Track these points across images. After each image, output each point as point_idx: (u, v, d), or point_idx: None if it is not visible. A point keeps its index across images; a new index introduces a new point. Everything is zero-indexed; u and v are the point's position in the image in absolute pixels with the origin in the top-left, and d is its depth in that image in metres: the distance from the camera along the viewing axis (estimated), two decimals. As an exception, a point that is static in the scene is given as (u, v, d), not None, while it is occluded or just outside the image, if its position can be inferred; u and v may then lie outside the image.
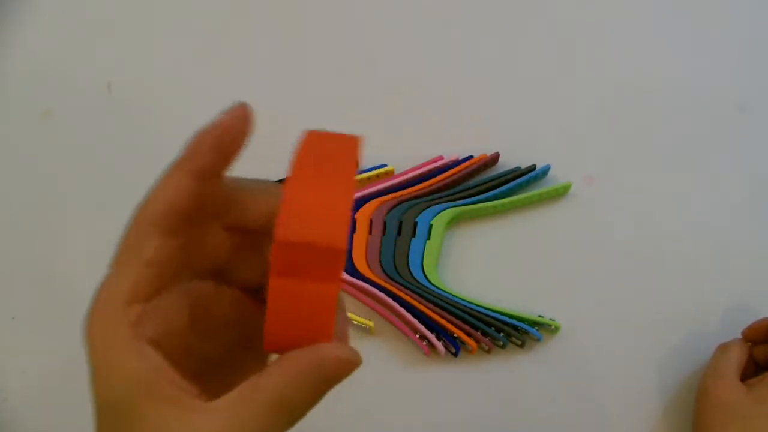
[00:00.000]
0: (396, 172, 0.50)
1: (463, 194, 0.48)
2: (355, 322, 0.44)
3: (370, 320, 0.44)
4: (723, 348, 0.41)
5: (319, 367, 0.20)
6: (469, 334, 0.43)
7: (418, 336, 0.43)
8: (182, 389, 0.19)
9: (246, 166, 0.48)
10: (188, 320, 0.20)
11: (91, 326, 0.20)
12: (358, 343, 0.45)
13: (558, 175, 0.50)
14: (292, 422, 0.21)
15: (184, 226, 0.20)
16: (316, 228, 0.16)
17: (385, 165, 0.50)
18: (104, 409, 0.19)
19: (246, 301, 0.22)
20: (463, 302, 0.44)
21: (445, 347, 0.43)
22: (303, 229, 0.16)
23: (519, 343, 0.44)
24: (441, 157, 0.50)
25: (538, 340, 0.44)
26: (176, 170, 0.21)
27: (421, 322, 0.43)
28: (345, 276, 0.45)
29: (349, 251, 0.47)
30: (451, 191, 0.49)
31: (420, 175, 0.49)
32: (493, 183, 0.49)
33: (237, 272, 0.22)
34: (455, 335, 0.43)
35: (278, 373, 0.19)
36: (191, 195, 0.20)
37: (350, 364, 0.20)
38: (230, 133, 0.21)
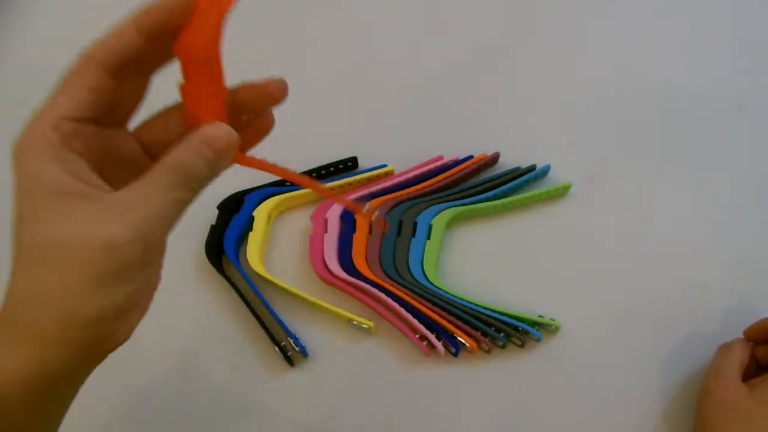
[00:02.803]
0: (396, 172, 0.50)
1: (463, 194, 0.48)
2: (354, 322, 0.44)
3: (370, 320, 0.44)
4: (725, 348, 0.41)
5: (207, 140, 0.24)
6: (469, 335, 0.43)
7: (418, 336, 0.43)
8: (99, 186, 0.23)
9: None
10: (104, 153, 0.24)
11: (22, 139, 0.23)
12: (358, 343, 0.45)
13: (558, 175, 0.50)
14: (191, 192, 0.24)
15: (122, 74, 0.24)
16: (197, 50, 0.23)
17: (386, 165, 0.50)
18: (33, 223, 0.22)
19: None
20: (463, 302, 0.44)
21: (445, 347, 0.43)
22: (191, 50, 0.24)
23: (519, 343, 0.44)
24: (441, 157, 0.50)
25: (538, 340, 0.44)
26: (129, 24, 0.23)
27: (421, 322, 0.43)
28: (345, 276, 0.45)
29: (349, 251, 0.46)
30: (451, 191, 0.48)
31: (420, 175, 0.49)
32: (493, 183, 0.49)
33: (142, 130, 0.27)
34: (455, 335, 0.43)
35: (179, 150, 0.23)
36: (135, 48, 0.23)
37: (220, 142, 0.24)
38: (180, 6, 0.23)
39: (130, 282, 0.23)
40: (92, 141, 0.24)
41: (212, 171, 0.24)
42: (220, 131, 0.24)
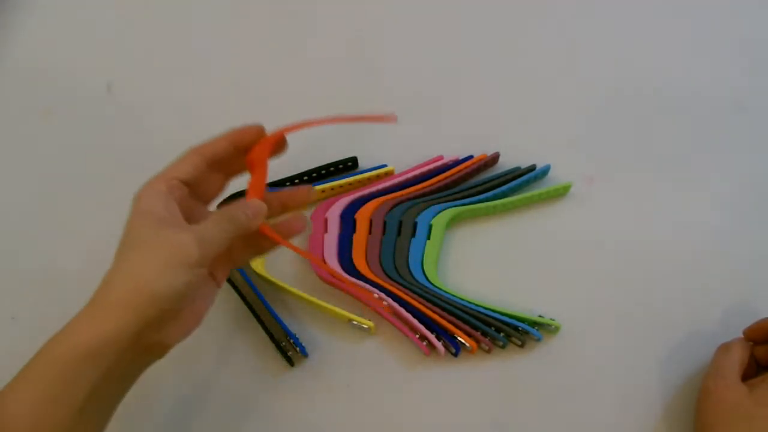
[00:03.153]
0: (396, 172, 0.50)
1: (463, 194, 0.48)
2: (354, 322, 0.44)
3: (370, 320, 0.44)
4: (724, 348, 0.41)
5: (245, 202, 0.37)
6: (469, 335, 0.43)
7: (418, 336, 0.43)
8: (182, 221, 0.36)
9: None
10: (189, 208, 0.38)
11: (147, 186, 0.36)
12: (358, 343, 0.45)
13: (558, 175, 0.50)
14: (235, 232, 0.36)
15: (212, 166, 0.38)
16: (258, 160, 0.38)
17: (386, 165, 0.50)
18: (133, 231, 0.35)
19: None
20: (463, 302, 0.44)
21: (445, 347, 0.43)
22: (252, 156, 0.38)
23: (519, 343, 0.44)
24: (441, 157, 0.50)
25: (538, 340, 0.44)
26: (225, 136, 0.39)
27: (421, 322, 0.43)
28: (345, 275, 0.45)
29: (349, 251, 0.46)
30: (451, 191, 0.48)
31: (420, 175, 0.49)
32: (493, 183, 0.49)
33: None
34: (455, 335, 0.43)
35: (228, 207, 0.37)
36: (224, 152, 0.38)
37: (255, 209, 0.37)
38: (254, 136, 0.39)
39: (189, 274, 0.34)
40: (184, 199, 0.37)
41: (248, 223, 0.37)
42: (256, 202, 0.38)
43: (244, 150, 0.39)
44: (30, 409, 0.31)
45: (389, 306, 0.44)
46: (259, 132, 0.39)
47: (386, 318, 0.44)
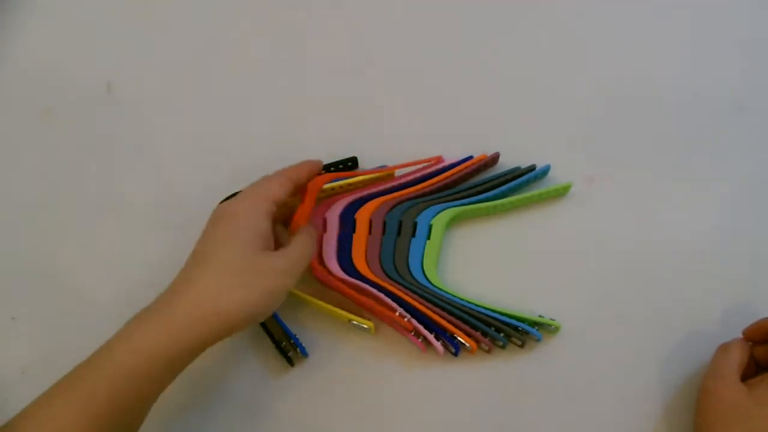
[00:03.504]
0: (396, 173, 0.50)
1: (463, 194, 0.48)
2: (354, 322, 0.44)
3: (370, 320, 0.44)
4: (724, 348, 0.41)
5: (308, 232, 0.41)
6: (468, 335, 0.43)
7: (412, 333, 0.43)
8: (276, 247, 0.39)
9: (249, 162, 0.48)
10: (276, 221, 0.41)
11: (241, 202, 0.38)
12: (358, 343, 0.45)
13: (558, 175, 0.50)
14: (307, 263, 0.40)
15: (296, 189, 0.42)
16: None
17: (385, 165, 0.50)
18: (235, 248, 0.37)
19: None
20: (463, 302, 0.44)
21: (445, 347, 0.43)
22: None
23: (519, 343, 0.44)
24: (440, 157, 0.50)
25: (538, 340, 0.44)
26: (303, 168, 0.43)
27: (420, 322, 0.43)
28: (345, 276, 0.45)
29: (349, 251, 0.46)
30: (451, 191, 0.48)
31: (420, 175, 0.49)
32: (493, 183, 0.49)
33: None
34: (455, 335, 0.43)
35: (299, 237, 0.40)
36: (303, 181, 0.42)
37: (315, 233, 0.43)
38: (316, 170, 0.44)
39: (280, 301, 0.38)
40: (273, 217, 0.40)
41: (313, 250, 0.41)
42: (314, 230, 0.42)
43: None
44: (96, 413, 0.33)
45: (389, 304, 0.44)
46: (320, 165, 0.44)
47: (382, 318, 0.44)
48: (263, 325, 0.45)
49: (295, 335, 0.44)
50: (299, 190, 0.43)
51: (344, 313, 0.44)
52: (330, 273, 0.45)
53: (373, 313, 0.44)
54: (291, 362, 0.44)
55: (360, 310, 0.45)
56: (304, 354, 0.44)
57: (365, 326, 0.44)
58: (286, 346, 0.44)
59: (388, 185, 0.49)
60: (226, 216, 0.38)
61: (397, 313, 0.43)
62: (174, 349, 0.34)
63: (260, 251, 0.37)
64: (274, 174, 0.41)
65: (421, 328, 0.43)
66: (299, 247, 0.39)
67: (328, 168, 0.50)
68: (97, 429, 0.32)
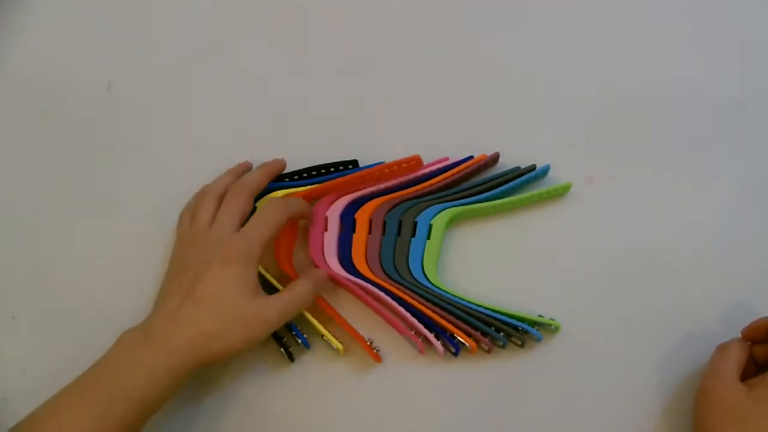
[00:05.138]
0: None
1: (463, 194, 0.48)
2: (324, 338, 0.44)
3: (341, 342, 0.44)
4: (723, 348, 0.41)
5: (314, 276, 0.44)
6: (469, 334, 0.43)
7: (413, 332, 0.43)
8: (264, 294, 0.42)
9: (252, 161, 0.48)
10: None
11: (242, 243, 0.42)
12: (355, 343, 0.45)
13: (558, 175, 0.50)
14: (304, 306, 0.43)
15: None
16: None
17: (383, 161, 0.50)
18: (231, 294, 0.40)
19: None
20: (463, 302, 0.44)
21: (445, 347, 0.43)
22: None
23: (519, 343, 0.44)
24: (447, 158, 0.50)
25: (538, 340, 0.44)
26: (302, 205, 0.47)
27: (420, 321, 0.43)
28: (345, 275, 0.45)
29: (349, 251, 0.47)
30: (451, 191, 0.48)
31: (420, 175, 0.49)
32: (493, 183, 0.49)
33: None
34: (455, 335, 0.43)
35: (299, 281, 0.43)
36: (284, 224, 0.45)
37: (322, 276, 0.45)
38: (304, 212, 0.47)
39: (259, 343, 0.41)
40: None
41: (314, 298, 0.44)
42: (323, 274, 0.45)
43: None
44: (82, 427, 0.35)
45: (388, 304, 0.44)
46: (305, 212, 0.46)
47: (386, 318, 0.44)
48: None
49: (296, 326, 0.44)
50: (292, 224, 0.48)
51: (320, 326, 0.44)
52: (331, 271, 0.45)
53: (374, 310, 0.44)
54: (291, 358, 0.44)
55: (360, 310, 0.45)
56: (306, 345, 0.44)
57: (334, 347, 0.44)
58: (288, 341, 0.44)
59: (388, 185, 0.49)
60: (223, 258, 0.41)
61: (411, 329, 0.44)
62: (168, 380, 0.38)
63: (253, 299, 0.40)
64: (270, 209, 0.43)
65: (421, 327, 0.43)
66: (293, 297, 0.42)
67: (328, 168, 0.50)
68: None
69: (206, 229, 0.43)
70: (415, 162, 0.48)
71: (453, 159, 0.50)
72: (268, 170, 0.48)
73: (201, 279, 0.40)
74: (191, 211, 0.46)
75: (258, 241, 0.42)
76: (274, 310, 0.41)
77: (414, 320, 0.43)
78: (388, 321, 0.44)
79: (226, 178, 0.48)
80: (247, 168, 0.50)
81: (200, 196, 0.47)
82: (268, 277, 0.46)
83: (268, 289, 0.45)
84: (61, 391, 0.37)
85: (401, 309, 0.44)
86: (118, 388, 0.37)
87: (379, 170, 0.48)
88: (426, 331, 0.43)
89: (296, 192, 0.48)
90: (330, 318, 0.45)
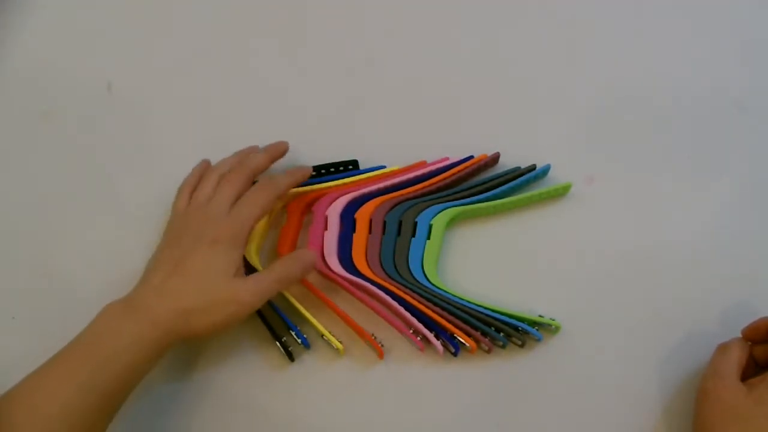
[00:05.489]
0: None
1: (463, 194, 0.48)
2: (324, 338, 0.44)
3: (340, 342, 0.44)
4: (723, 348, 0.41)
5: (298, 257, 0.44)
6: (469, 334, 0.43)
7: (411, 331, 0.43)
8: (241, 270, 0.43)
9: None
10: None
11: (233, 224, 0.42)
12: (358, 342, 0.45)
13: (558, 175, 0.50)
14: (284, 287, 0.44)
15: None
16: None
17: (384, 166, 0.50)
18: (210, 267, 0.41)
19: None
20: (463, 302, 0.44)
21: (445, 347, 0.43)
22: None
23: (519, 343, 0.44)
24: (447, 159, 0.50)
25: (538, 340, 0.44)
26: (287, 177, 0.47)
27: (420, 321, 0.43)
28: (346, 273, 0.45)
29: (349, 251, 0.46)
30: (451, 191, 0.48)
31: (420, 174, 0.49)
32: (493, 183, 0.49)
33: None
34: (455, 335, 0.43)
35: (280, 262, 0.43)
36: (282, 194, 0.47)
37: (309, 258, 0.44)
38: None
39: (237, 323, 0.41)
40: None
41: (302, 276, 0.44)
42: (311, 256, 0.44)
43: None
44: (65, 398, 0.36)
45: (388, 304, 0.44)
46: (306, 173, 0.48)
47: (386, 318, 0.44)
48: (263, 319, 0.44)
49: (296, 327, 0.44)
50: (290, 211, 0.48)
51: (320, 326, 0.44)
52: (331, 270, 0.45)
53: (374, 310, 0.44)
54: (291, 357, 0.44)
55: (334, 326, 0.45)
56: (306, 345, 0.44)
57: (334, 346, 0.44)
58: (287, 341, 0.44)
59: (389, 185, 0.49)
60: (213, 238, 0.41)
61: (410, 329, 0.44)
62: (155, 340, 0.39)
63: (234, 279, 0.41)
64: (258, 190, 0.44)
65: (420, 326, 0.43)
66: (272, 278, 0.42)
67: (328, 168, 0.50)
68: (82, 412, 0.36)
69: (203, 207, 0.44)
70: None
71: (453, 159, 0.50)
72: (270, 153, 0.48)
73: (190, 255, 0.41)
74: (190, 187, 0.46)
75: (246, 223, 0.42)
76: (250, 290, 0.41)
77: (414, 320, 0.43)
78: (388, 320, 0.44)
79: (231, 159, 0.48)
80: (253, 151, 0.50)
81: (202, 173, 0.47)
82: (252, 262, 0.46)
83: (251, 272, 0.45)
84: (43, 365, 0.37)
85: (401, 308, 0.43)
86: (99, 358, 0.37)
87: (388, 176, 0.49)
88: (426, 331, 0.43)
89: (300, 191, 0.49)
90: (333, 315, 0.45)
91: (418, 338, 0.43)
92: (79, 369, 0.37)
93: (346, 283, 0.45)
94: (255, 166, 0.46)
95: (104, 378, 0.37)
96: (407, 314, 0.43)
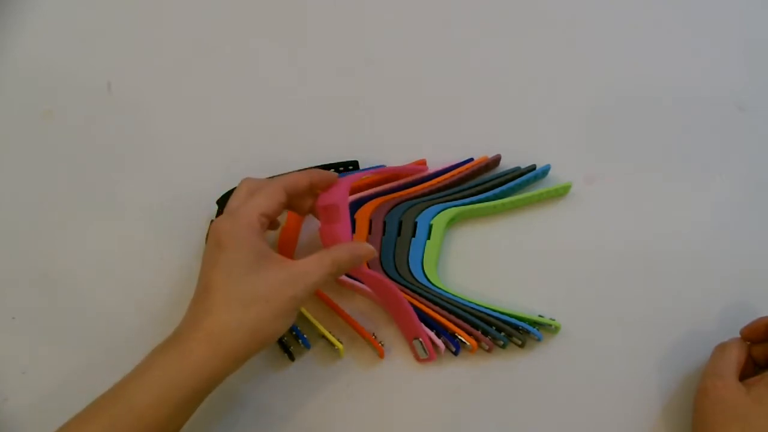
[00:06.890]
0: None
1: (463, 194, 0.48)
2: (325, 338, 0.44)
3: (341, 341, 0.44)
4: (722, 347, 0.41)
5: (355, 248, 0.39)
6: (469, 334, 0.43)
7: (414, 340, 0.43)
8: (279, 257, 0.38)
9: (249, 162, 0.48)
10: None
11: (236, 220, 0.37)
12: (358, 341, 0.45)
13: (558, 175, 0.50)
14: (338, 274, 0.38)
15: (291, 200, 0.41)
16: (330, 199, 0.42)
17: (384, 166, 0.50)
18: (235, 262, 0.36)
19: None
20: (464, 302, 0.44)
21: (446, 346, 0.43)
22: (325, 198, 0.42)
23: (519, 343, 0.44)
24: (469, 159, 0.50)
25: (539, 340, 0.44)
26: (304, 175, 0.41)
27: (421, 321, 0.43)
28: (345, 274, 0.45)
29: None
30: (451, 191, 0.49)
31: (421, 176, 0.49)
32: (493, 183, 0.49)
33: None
34: (456, 334, 0.43)
35: (336, 248, 0.39)
36: (303, 188, 0.41)
37: (367, 250, 0.40)
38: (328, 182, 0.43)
39: (294, 317, 0.37)
40: (266, 228, 0.39)
41: (354, 267, 0.39)
42: (368, 248, 0.40)
43: (316, 190, 0.43)
44: None
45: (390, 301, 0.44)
46: (334, 179, 0.42)
47: (389, 313, 0.44)
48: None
49: (297, 327, 0.44)
50: (296, 198, 0.42)
51: (320, 326, 0.44)
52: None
53: (377, 303, 0.45)
54: (292, 357, 0.44)
55: (334, 326, 0.45)
56: (306, 346, 0.44)
57: (335, 346, 0.44)
58: (288, 341, 0.44)
59: (389, 185, 0.49)
60: (217, 243, 0.37)
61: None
62: (191, 384, 0.34)
63: (261, 270, 0.36)
64: (265, 184, 0.40)
65: (424, 330, 0.43)
66: (314, 268, 0.37)
67: (329, 168, 0.50)
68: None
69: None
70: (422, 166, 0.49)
71: (453, 161, 0.50)
72: (310, 173, 0.42)
73: (211, 268, 0.36)
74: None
75: (254, 211, 0.38)
76: (282, 272, 0.36)
77: (421, 325, 0.43)
78: (396, 316, 0.44)
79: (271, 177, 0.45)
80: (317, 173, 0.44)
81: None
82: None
83: None
84: (83, 410, 0.35)
85: (410, 307, 0.43)
86: (122, 402, 0.34)
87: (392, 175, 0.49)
88: (427, 330, 0.43)
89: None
90: (333, 314, 0.45)
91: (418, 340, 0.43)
92: (101, 415, 0.34)
93: (354, 282, 0.45)
94: (287, 181, 0.41)
95: (125, 425, 0.34)
96: (410, 308, 0.43)
